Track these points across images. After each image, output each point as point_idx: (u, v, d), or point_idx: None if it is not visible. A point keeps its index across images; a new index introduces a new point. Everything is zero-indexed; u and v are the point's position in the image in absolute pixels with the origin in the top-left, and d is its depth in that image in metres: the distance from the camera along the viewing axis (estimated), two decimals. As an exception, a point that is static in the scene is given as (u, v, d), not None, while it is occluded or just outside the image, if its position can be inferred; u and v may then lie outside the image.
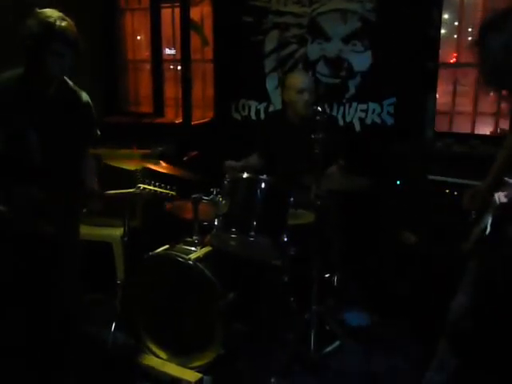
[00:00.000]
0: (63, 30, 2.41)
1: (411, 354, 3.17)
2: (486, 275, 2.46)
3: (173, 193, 2.78)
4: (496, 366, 2.68)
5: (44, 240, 2.62)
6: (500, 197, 2.06)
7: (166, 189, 2.79)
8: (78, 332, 2.99)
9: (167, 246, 3.21)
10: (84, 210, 2.93)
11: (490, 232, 2.28)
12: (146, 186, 2.76)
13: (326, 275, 3.50)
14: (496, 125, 4.14)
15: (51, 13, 2.42)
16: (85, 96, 2.69)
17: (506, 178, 2.06)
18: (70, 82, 2.66)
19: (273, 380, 2.97)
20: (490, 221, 2.27)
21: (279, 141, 3.79)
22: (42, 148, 2.54)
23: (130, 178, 3.82)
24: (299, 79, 3.72)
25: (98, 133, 2.81)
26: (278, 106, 4.37)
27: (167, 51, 5.37)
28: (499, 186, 2.23)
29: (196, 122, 4.97)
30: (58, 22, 2.39)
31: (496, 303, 2.48)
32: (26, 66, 2.51)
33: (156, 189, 2.76)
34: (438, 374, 2.66)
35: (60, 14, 2.44)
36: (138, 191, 2.76)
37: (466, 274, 2.53)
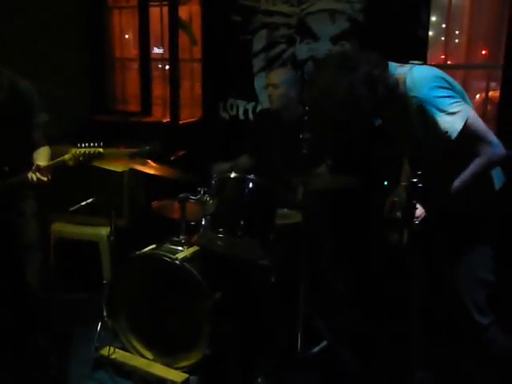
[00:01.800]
0: None
1: (399, 355, 3.17)
2: None
3: (99, 149, 2.83)
4: None
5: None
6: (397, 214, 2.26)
7: (94, 147, 2.84)
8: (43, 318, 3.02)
9: (154, 246, 3.20)
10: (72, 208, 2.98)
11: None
12: (76, 150, 2.81)
13: (314, 275, 3.48)
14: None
15: None
16: (24, 85, 2.87)
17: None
18: (8, 72, 2.83)
19: (259, 380, 2.97)
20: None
21: (268, 139, 3.79)
22: None
23: (116, 178, 3.83)
24: (273, 75, 3.75)
25: (46, 117, 2.97)
26: (266, 106, 4.36)
27: (155, 50, 5.35)
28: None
29: (184, 122, 4.96)
30: None
31: None
32: None
33: (85, 150, 2.82)
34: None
35: None
36: (70, 156, 2.80)
37: None
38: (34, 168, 2.76)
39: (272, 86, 3.67)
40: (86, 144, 2.82)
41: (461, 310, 2.40)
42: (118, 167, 3.29)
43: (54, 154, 2.91)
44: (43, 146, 2.96)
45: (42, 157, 2.88)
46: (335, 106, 2.15)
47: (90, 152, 2.81)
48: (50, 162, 2.83)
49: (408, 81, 2.25)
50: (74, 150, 2.81)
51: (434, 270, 2.55)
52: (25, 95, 2.88)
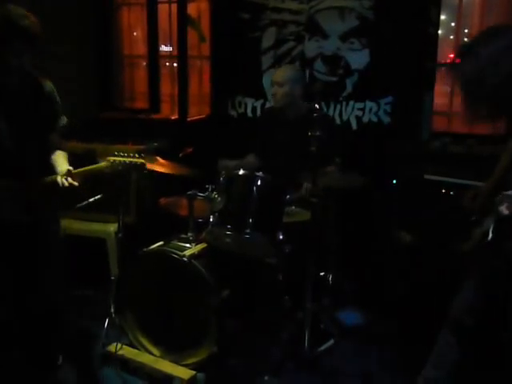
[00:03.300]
0: (25, 29, 2.45)
1: (405, 354, 3.16)
2: (484, 280, 2.48)
3: (141, 160, 2.76)
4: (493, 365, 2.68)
5: (21, 229, 2.65)
6: (503, 209, 2.08)
7: (134, 158, 2.77)
8: (63, 322, 2.98)
9: (162, 243, 3.20)
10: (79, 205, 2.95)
11: (491, 238, 2.27)
12: (114, 158, 2.74)
13: (321, 274, 3.48)
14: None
15: (14, 10, 2.47)
16: (48, 85, 2.78)
17: (504, 192, 2.08)
18: (34, 72, 2.73)
19: (266, 378, 2.97)
20: (492, 227, 2.27)
21: (275, 137, 3.77)
22: (11, 136, 2.61)
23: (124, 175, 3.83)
24: (278, 73, 3.72)
25: (65, 120, 2.88)
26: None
27: (163, 48, 5.34)
28: (500, 189, 2.23)
29: (192, 119, 4.95)
30: (20, 20, 2.43)
31: (492, 309, 2.50)
32: None
33: (124, 159, 2.74)
34: (435, 372, 2.66)
35: (23, 12, 2.49)
36: (107, 164, 2.74)
37: (470, 272, 2.53)
38: (65, 172, 2.65)
39: (277, 84, 3.64)
40: (126, 154, 2.74)
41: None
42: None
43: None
44: (58, 148, 2.86)
45: (63, 162, 2.78)
46: (503, 74, 2.05)
47: (130, 162, 2.73)
48: (85, 168, 2.73)
49: None
50: (111, 159, 2.73)
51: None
52: (49, 96, 2.79)
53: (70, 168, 2.68)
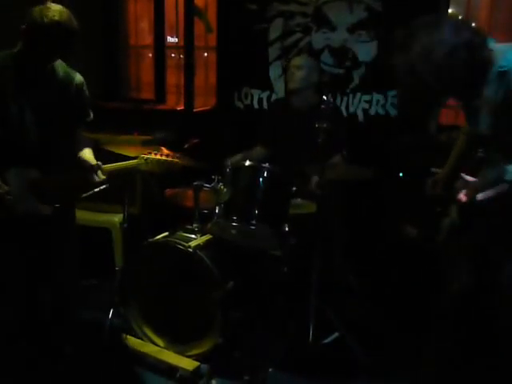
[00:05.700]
0: (58, 27, 2.43)
1: (411, 347, 3.15)
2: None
3: (178, 160, 2.74)
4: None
5: (40, 222, 2.63)
6: (461, 197, 2.09)
7: (169, 157, 2.75)
8: (73, 316, 2.99)
9: (167, 233, 3.19)
10: (85, 194, 2.95)
11: (458, 226, 2.30)
12: (148, 156, 2.73)
13: (327, 266, 3.47)
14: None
15: (55, 8, 2.47)
16: (78, 78, 2.76)
17: (462, 175, 2.09)
18: (64, 64, 2.72)
19: (271, 370, 2.96)
20: (456, 213, 2.31)
21: (282, 129, 3.77)
22: (37, 128, 2.60)
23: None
24: (298, 58, 3.89)
25: (91, 115, 2.87)
26: (281, 95, 4.34)
27: (169, 39, 5.32)
28: (457, 174, 2.26)
29: (198, 110, 4.94)
30: (56, 18, 2.42)
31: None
32: (21, 50, 2.53)
33: (159, 157, 2.72)
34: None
35: (62, 10, 2.49)
36: (141, 161, 2.73)
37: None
38: (95, 168, 2.64)
39: (295, 67, 3.75)
40: (160, 153, 2.74)
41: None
42: (131, 154, 3.27)
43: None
44: (83, 143, 2.83)
45: (91, 157, 2.75)
46: (435, 69, 2.06)
47: (165, 161, 2.73)
48: (117, 165, 2.73)
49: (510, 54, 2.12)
50: (146, 157, 2.72)
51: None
52: (80, 89, 2.76)
53: (99, 163, 2.67)
